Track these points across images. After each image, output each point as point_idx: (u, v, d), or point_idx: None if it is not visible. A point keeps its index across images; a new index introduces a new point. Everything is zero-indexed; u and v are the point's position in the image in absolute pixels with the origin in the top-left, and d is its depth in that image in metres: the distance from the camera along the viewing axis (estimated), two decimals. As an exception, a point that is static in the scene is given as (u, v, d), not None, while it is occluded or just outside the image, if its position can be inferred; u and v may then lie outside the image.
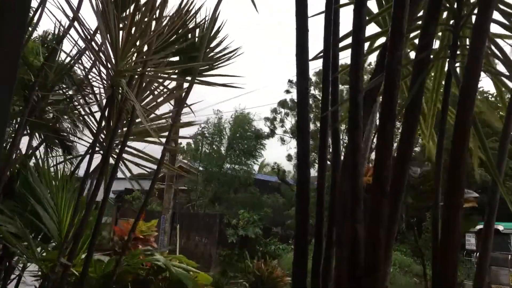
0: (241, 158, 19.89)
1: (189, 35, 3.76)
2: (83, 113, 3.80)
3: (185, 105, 3.67)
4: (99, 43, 3.18)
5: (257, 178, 20.50)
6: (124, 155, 3.42)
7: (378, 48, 2.61)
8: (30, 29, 3.65)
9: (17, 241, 3.18)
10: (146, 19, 3.01)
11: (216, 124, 20.49)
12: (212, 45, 3.88)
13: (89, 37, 3.15)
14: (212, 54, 3.90)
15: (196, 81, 3.75)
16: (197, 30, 3.76)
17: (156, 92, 3.71)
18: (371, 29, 2.69)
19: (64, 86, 3.95)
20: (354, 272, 1.88)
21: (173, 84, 3.94)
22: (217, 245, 15.80)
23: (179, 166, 18.21)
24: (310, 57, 2.50)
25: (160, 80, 3.71)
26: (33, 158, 3.85)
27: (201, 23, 3.73)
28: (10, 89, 1.18)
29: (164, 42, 3.30)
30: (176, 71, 3.91)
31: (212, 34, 3.78)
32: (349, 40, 2.42)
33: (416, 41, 2.38)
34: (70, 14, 3.10)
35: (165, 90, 3.75)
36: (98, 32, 3.14)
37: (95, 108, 3.71)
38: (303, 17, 2.46)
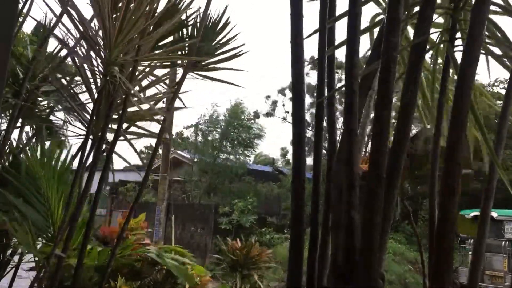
0: (236, 148, 19.87)
1: (187, 27, 3.73)
2: (74, 104, 3.75)
3: (178, 94, 3.65)
4: (91, 33, 3.13)
5: (253, 168, 20.50)
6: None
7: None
8: (20, 20, 3.59)
9: (15, 231, 3.16)
10: (140, 8, 2.96)
11: (212, 115, 20.45)
12: (217, 39, 3.84)
13: (81, 26, 3.10)
14: (215, 49, 3.85)
15: (197, 76, 3.73)
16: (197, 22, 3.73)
17: (149, 81, 3.67)
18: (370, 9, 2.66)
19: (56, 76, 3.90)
20: (350, 258, 1.88)
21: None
22: (213, 235, 15.84)
23: (173, 157, 18.18)
24: (305, 44, 2.48)
25: (154, 71, 3.67)
26: (27, 149, 3.81)
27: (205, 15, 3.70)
28: (1, 82, 1.15)
29: (161, 33, 3.28)
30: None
31: (217, 27, 3.75)
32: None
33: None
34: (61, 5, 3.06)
35: (156, 79, 3.71)
36: (90, 21, 3.10)
37: (84, 99, 3.67)
38: (298, 2, 2.43)
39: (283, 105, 22.57)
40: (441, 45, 2.36)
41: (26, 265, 3.59)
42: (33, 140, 3.96)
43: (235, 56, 3.81)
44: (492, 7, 2.04)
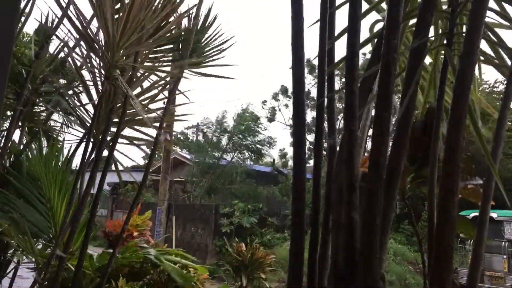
0: (242, 151, 19.87)
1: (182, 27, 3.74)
2: (75, 105, 3.76)
3: (176, 94, 3.67)
4: (92, 35, 3.14)
5: (254, 168, 20.48)
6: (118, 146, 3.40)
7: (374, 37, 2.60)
8: (22, 20, 3.60)
9: (14, 234, 3.16)
10: (142, 11, 2.97)
11: (221, 122, 20.47)
12: (206, 37, 3.87)
13: (82, 29, 3.10)
14: (205, 45, 3.88)
15: (190, 73, 3.74)
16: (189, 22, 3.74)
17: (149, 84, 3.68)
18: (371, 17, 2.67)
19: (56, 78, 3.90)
20: (350, 259, 1.89)
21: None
22: (213, 235, 15.84)
23: (174, 158, 18.19)
24: (306, 45, 2.48)
25: (155, 72, 3.68)
26: (27, 150, 3.82)
27: (194, 15, 3.72)
28: (2, 83, 1.16)
29: (160, 35, 3.29)
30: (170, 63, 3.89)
31: (206, 25, 3.78)
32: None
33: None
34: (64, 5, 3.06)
35: (158, 80, 3.71)
36: (89, 21, 3.10)
37: (84, 100, 3.68)
38: (298, 3, 2.44)
39: (279, 109, 22.90)
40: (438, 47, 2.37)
41: (28, 265, 3.59)
42: (33, 141, 3.97)
43: (223, 50, 3.86)
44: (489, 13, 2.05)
